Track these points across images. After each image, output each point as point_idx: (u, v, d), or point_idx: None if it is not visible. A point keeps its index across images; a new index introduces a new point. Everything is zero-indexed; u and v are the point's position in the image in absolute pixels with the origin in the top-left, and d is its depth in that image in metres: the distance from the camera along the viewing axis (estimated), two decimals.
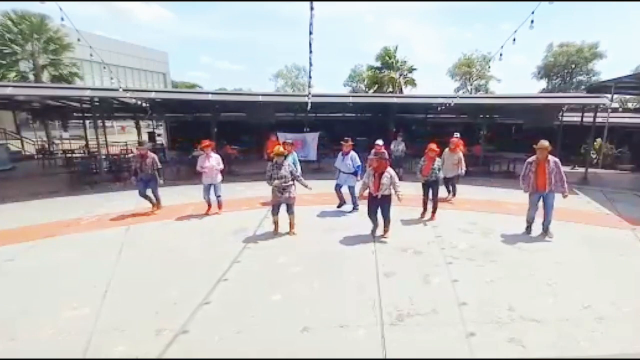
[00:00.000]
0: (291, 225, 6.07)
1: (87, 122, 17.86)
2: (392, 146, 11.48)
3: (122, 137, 25.07)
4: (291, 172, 5.87)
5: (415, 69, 31.47)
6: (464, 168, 8.32)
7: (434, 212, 6.99)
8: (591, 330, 3.46)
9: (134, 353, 3.14)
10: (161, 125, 22.45)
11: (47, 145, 17.76)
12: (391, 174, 5.71)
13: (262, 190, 8.97)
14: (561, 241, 5.88)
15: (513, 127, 17.93)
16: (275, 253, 5.33)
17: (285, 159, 5.94)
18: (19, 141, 17.98)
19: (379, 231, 6.00)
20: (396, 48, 30.72)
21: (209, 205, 7.20)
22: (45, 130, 19.36)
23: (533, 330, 3.43)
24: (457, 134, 9.46)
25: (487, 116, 15.78)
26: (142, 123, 20.36)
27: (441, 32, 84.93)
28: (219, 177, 7.15)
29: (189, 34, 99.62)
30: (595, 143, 14.37)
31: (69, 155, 14.78)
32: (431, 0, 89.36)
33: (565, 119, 14.97)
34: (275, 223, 6.06)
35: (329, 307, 3.87)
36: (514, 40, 5.82)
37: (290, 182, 5.86)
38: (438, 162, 6.86)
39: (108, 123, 21.31)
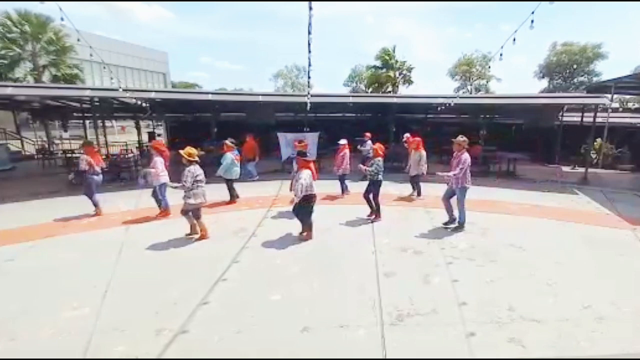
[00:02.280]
0: (192, 227, 5.92)
1: (87, 122, 17.87)
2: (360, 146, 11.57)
3: (122, 137, 25.07)
4: (185, 178, 5.50)
5: (413, 67, 31.57)
6: (422, 167, 8.54)
7: (377, 211, 6.89)
8: (591, 330, 3.46)
9: (134, 353, 3.14)
10: (161, 125, 22.45)
11: (47, 145, 17.76)
12: (299, 176, 5.58)
13: (262, 190, 9.00)
14: (561, 241, 5.88)
15: (513, 127, 17.94)
16: (275, 253, 5.34)
17: (190, 164, 5.57)
18: (19, 141, 17.99)
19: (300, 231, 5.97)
20: (394, 48, 30.81)
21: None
22: (45, 130, 19.36)
23: (533, 330, 3.43)
24: (407, 134, 9.75)
25: (487, 116, 15.79)
26: (142, 123, 20.36)
27: (441, 32, 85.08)
28: (160, 180, 6.83)
29: (189, 34, 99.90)
30: (595, 143, 14.36)
31: (68, 155, 14.78)
32: (431, 0, 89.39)
33: (565, 119, 15.00)
34: (191, 225, 5.93)
35: (329, 307, 3.87)
36: (514, 40, 5.82)
37: (184, 187, 5.51)
38: (376, 162, 6.74)
39: (108, 123, 21.31)
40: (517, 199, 8.71)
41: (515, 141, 16.63)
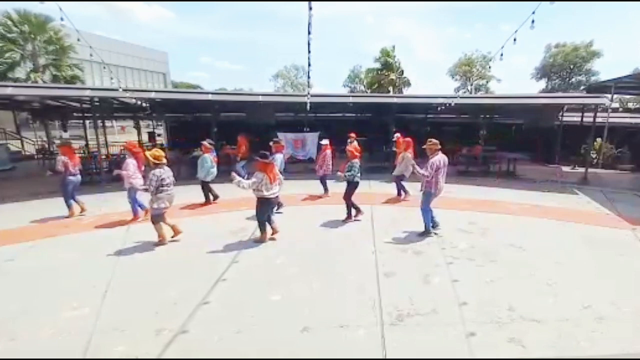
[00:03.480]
0: (173, 230, 5.77)
1: (87, 122, 17.86)
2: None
3: (122, 137, 25.06)
4: (149, 182, 5.32)
5: (402, 70, 31.60)
6: (402, 168, 8.26)
7: (349, 212, 6.82)
8: (591, 330, 3.46)
9: (134, 353, 3.14)
10: (161, 125, 22.43)
11: (47, 145, 17.76)
12: (256, 175, 5.43)
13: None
14: (561, 241, 5.88)
15: (513, 127, 17.94)
16: (275, 253, 5.34)
17: (157, 167, 5.38)
18: (19, 141, 17.99)
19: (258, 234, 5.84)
20: (393, 48, 30.84)
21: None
22: (45, 130, 19.36)
23: (533, 330, 3.43)
24: (397, 134, 9.68)
25: (487, 116, 15.78)
26: (142, 123, 20.35)
27: (441, 32, 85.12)
28: (131, 182, 6.49)
29: (189, 34, 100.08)
30: (595, 143, 14.36)
31: None
32: (431, 0, 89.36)
33: (565, 119, 14.99)
34: (172, 228, 5.79)
35: (329, 307, 3.87)
36: (515, 40, 5.82)
37: (147, 190, 5.38)
38: (351, 163, 6.64)
39: (108, 123, 21.30)
40: (517, 199, 8.71)
41: (515, 141, 16.60)
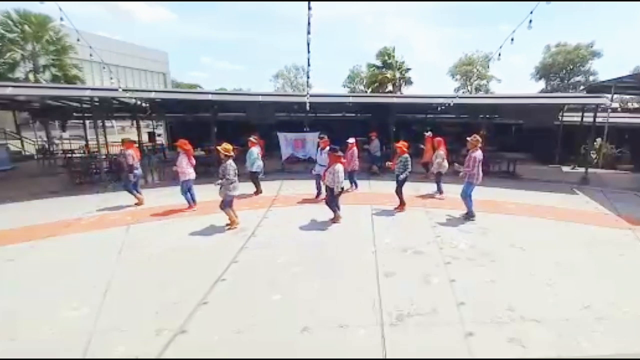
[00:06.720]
0: (230, 219, 6.43)
1: (87, 122, 17.87)
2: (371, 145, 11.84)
3: (122, 137, 25.02)
4: (227, 172, 6.10)
5: (409, 68, 31.61)
6: (435, 166, 8.75)
7: (399, 204, 7.45)
8: (591, 330, 3.46)
9: (134, 353, 3.15)
10: (161, 125, 22.43)
11: (47, 145, 17.76)
12: (335, 170, 6.22)
13: (262, 190, 8.99)
14: (561, 241, 5.88)
15: (513, 127, 17.94)
16: (275, 253, 5.33)
17: (228, 159, 6.15)
18: (19, 141, 17.98)
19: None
20: (394, 49, 30.84)
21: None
22: (45, 130, 19.35)
23: (533, 330, 3.44)
24: (429, 132, 9.85)
25: (487, 116, 15.78)
26: (142, 123, 20.30)
27: (441, 32, 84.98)
28: (185, 176, 7.34)
29: (189, 34, 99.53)
30: (595, 143, 14.35)
31: (69, 155, 14.79)
32: (431, 0, 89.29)
33: (565, 119, 14.98)
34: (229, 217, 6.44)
35: (329, 307, 3.87)
36: (512, 40, 5.85)
37: (227, 181, 6.09)
38: (403, 159, 7.14)
39: (108, 123, 21.27)
40: (517, 199, 8.71)
41: (515, 141, 16.61)
